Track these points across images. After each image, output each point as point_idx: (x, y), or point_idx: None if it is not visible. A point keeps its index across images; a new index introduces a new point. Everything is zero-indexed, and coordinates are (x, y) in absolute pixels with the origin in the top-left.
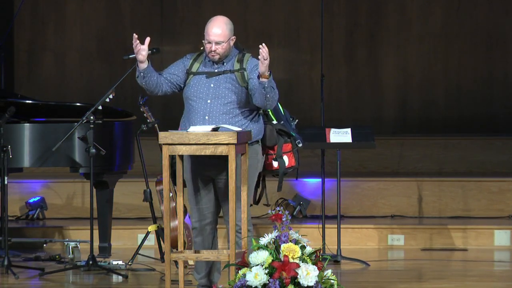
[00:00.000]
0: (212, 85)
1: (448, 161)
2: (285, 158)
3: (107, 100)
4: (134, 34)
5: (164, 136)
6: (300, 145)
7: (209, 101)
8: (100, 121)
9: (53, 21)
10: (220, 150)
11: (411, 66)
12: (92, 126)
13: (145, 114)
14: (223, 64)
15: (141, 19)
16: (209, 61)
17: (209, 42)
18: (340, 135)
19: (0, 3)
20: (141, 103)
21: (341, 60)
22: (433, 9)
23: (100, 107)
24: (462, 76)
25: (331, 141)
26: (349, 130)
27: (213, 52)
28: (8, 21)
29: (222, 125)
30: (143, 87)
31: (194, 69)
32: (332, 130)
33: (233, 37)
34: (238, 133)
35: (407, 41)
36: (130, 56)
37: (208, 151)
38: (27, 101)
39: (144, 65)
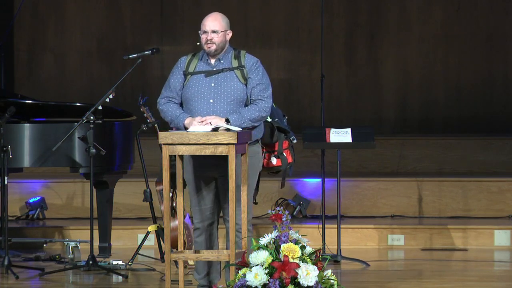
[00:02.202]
0: (213, 84)
1: (448, 161)
2: (284, 155)
3: (107, 100)
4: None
5: (164, 136)
6: (295, 141)
7: (211, 101)
8: (100, 121)
9: (53, 21)
10: (220, 150)
11: (411, 66)
12: (92, 126)
13: (145, 114)
14: (220, 61)
15: (141, 19)
16: (206, 60)
17: (205, 32)
18: (340, 135)
19: (0, 3)
20: (141, 103)
21: (341, 60)
22: (433, 9)
23: (100, 107)
24: (462, 76)
25: (331, 141)
26: (349, 130)
27: (209, 42)
28: (8, 21)
29: (222, 125)
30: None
31: (191, 69)
32: (332, 130)
33: (229, 31)
34: (238, 133)
35: (407, 41)
36: (130, 56)
37: (208, 151)
38: (27, 101)
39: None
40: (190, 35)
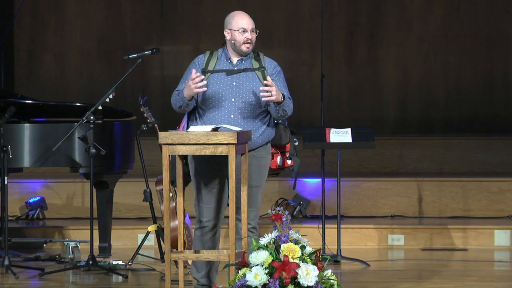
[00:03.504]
0: (234, 83)
1: (448, 161)
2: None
3: (107, 100)
4: (195, 72)
5: (164, 136)
6: (297, 143)
7: (233, 100)
8: (100, 121)
9: (53, 21)
10: (220, 150)
11: (411, 66)
12: (92, 126)
13: (145, 114)
14: (242, 62)
15: (141, 19)
16: (228, 59)
17: (245, 31)
18: (340, 135)
19: (0, 3)
20: (141, 103)
21: (341, 60)
22: (433, 9)
23: (100, 107)
24: (462, 76)
25: (331, 141)
26: (349, 130)
27: (249, 42)
28: (8, 21)
29: (222, 125)
30: (179, 111)
31: (210, 67)
32: (332, 130)
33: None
34: (238, 133)
35: (407, 41)
36: (130, 56)
37: (208, 151)
38: (27, 101)
39: (191, 98)
40: (190, 35)
